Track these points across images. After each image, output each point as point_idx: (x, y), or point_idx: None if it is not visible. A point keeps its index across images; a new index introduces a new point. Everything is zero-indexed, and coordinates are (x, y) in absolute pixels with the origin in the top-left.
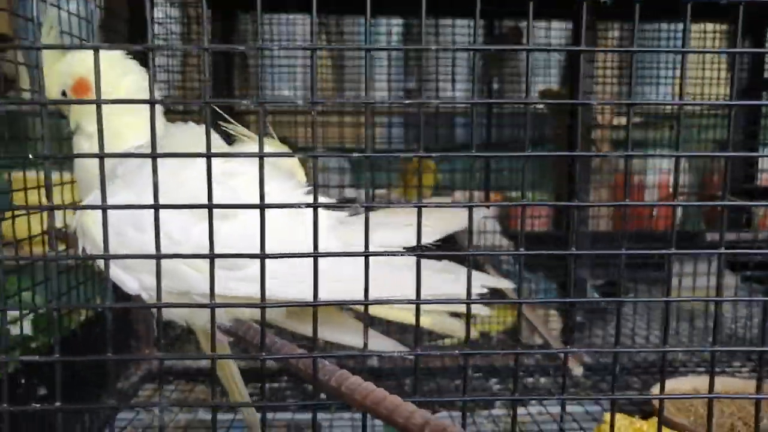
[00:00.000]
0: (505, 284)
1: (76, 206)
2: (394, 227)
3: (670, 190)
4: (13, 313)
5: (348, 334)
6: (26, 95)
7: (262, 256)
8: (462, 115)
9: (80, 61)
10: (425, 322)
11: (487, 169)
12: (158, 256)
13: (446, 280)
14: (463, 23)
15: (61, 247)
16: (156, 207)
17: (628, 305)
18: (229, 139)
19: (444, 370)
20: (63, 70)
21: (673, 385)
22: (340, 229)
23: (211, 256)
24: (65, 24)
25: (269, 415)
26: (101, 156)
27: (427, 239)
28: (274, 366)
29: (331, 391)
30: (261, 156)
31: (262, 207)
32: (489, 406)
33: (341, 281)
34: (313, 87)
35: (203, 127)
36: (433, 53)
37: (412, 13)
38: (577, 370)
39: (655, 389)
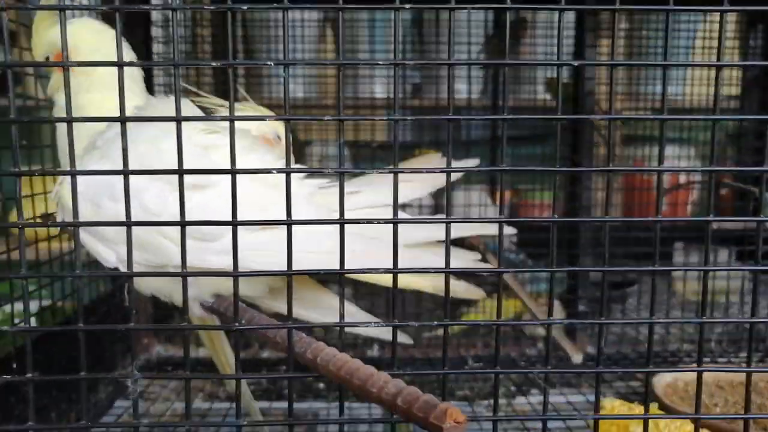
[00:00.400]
0: (486, 230)
1: (44, 171)
2: (380, 187)
3: (679, 181)
4: (18, 309)
5: (333, 315)
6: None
7: (234, 223)
8: (466, 109)
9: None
10: (425, 285)
11: (493, 160)
12: (129, 224)
13: (432, 250)
14: (476, 14)
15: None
16: (125, 173)
17: (633, 298)
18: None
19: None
20: (48, 39)
21: (676, 374)
22: (318, 196)
23: (182, 224)
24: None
25: (267, 404)
26: (69, 120)
27: (415, 194)
28: (273, 355)
29: (308, 362)
30: (231, 120)
31: (234, 172)
32: (489, 395)
33: (322, 252)
34: (285, 48)
35: (184, 99)
36: (436, 48)
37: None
38: (577, 358)
39: (657, 378)
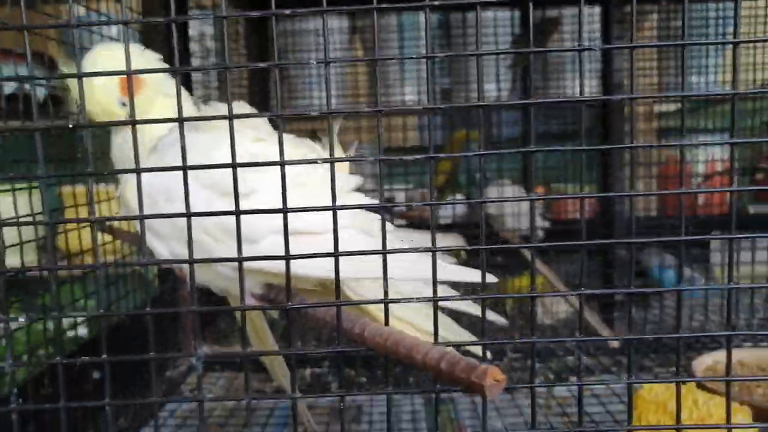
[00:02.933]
0: (472, 277)
1: (113, 171)
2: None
3: (718, 170)
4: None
5: None
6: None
7: (285, 210)
8: (496, 109)
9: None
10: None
11: (524, 157)
12: (189, 215)
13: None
14: (503, 16)
15: (108, 238)
16: (184, 168)
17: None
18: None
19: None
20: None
21: (715, 357)
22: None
23: (238, 213)
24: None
25: (312, 399)
26: (133, 123)
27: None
28: (315, 354)
29: (356, 337)
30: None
31: (283, 164)
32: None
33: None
34: (326, 48)
35: (240, 104)
36: (464, 49)
37: (449, 7)
38: (614, 344)
39: (697, 361)
